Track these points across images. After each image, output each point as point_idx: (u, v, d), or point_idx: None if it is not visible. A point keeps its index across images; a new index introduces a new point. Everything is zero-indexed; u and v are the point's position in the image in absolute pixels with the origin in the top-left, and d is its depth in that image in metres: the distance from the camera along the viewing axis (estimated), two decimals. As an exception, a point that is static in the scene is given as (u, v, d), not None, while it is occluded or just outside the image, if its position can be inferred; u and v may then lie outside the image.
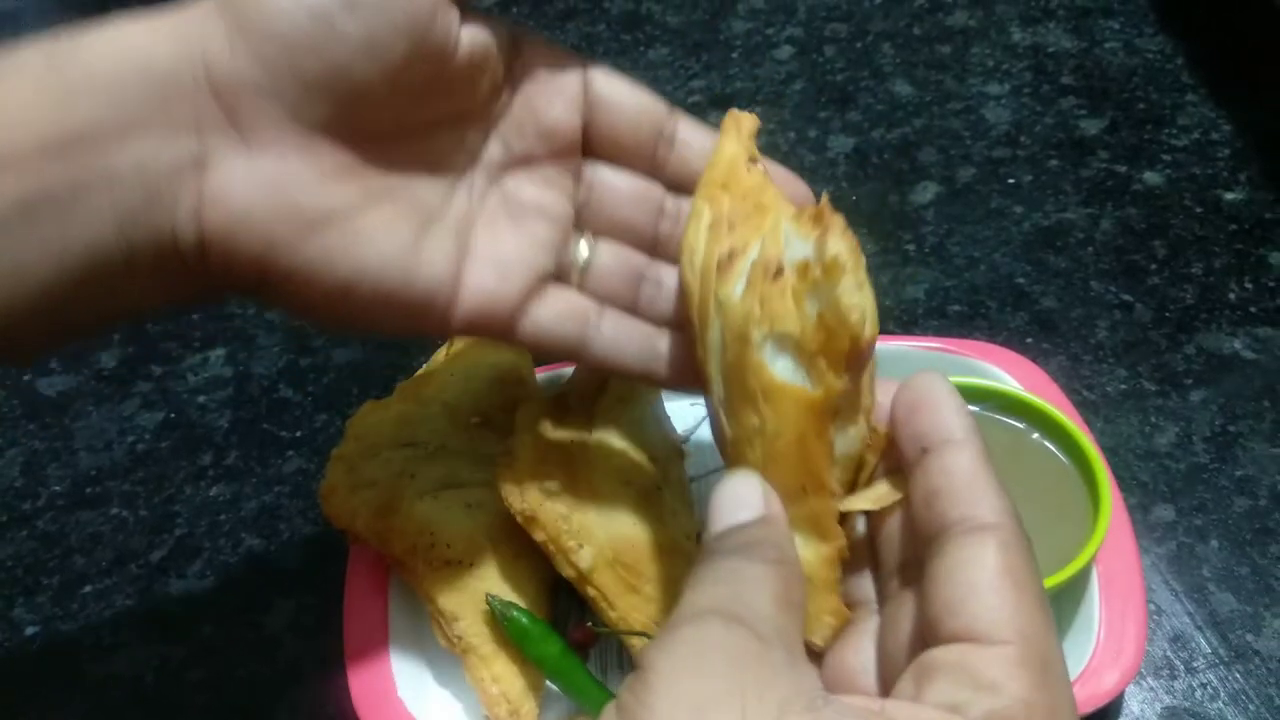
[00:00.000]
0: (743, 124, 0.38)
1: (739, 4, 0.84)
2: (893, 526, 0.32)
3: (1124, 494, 0.48)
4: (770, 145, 0.73)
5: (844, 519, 0.32)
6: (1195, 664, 0.46)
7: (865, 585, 0.33)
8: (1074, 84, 0.74)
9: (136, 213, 0.32)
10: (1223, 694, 0.45)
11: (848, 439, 0.31)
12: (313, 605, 0.52)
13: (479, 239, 0.38)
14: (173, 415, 0.61)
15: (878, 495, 0.31)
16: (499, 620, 0.44)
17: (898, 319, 0.61)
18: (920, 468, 0.30)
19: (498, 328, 0.38)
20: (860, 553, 0.33)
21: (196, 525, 0.56)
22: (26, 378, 0.64)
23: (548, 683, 0.46)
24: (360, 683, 0.45)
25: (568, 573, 0.44)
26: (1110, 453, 0.53)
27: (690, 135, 0.40)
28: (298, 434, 0.59)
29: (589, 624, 0.45)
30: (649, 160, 0.40)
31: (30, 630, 0.52)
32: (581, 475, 0.45)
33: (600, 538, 0.44)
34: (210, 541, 0.55)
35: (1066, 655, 0.44)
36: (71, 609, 0.53)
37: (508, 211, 0.39)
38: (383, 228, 0.35)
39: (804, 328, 0.30)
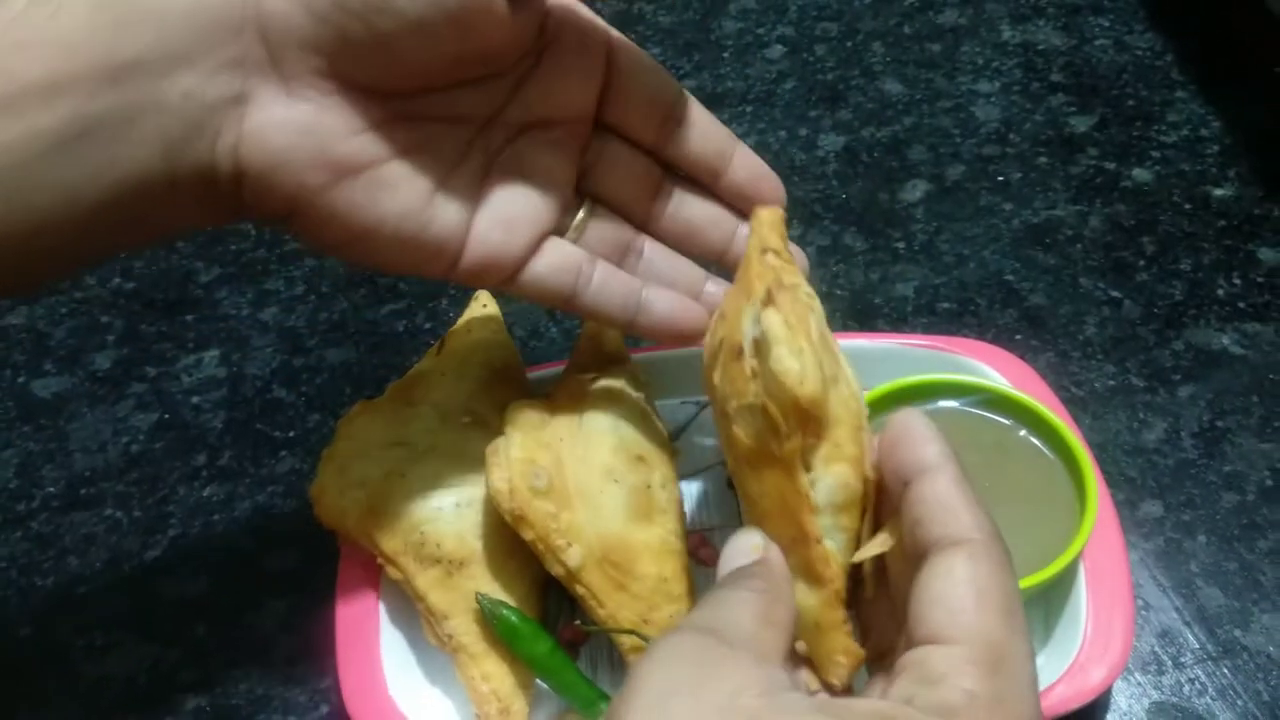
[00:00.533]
0: (762, 218, 0.40)
1: (730, 3, 0.84)
2: (898, 567, 0.34)
3: (1112, 490, 0.48)
4: (761, 144, 0.73)
5: (859, 568, 0.35)
6: (1183, 659, 0.46)
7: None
8: (1064, 81, 0.75)
9: (180, 141, 0.34)
10: (1210, 689, 0.45)
11: (829, 489, 0.34)
12: (305, 605, 0.52)
13: (490, 194, 0.40)
14: (167, 416, 0.62)
15: (879, 541, 0.34)
16: (489, 619, 0.44)
17: (887, 316, 0.61)
18: (905, 501, 0.32)
19: (498, 278, 0.41)
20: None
21: (190, 526, 0.56)
22: (21, 379, 0.64)
23: (538, 681, 0.46)
24: (351, 682, 0.45)
25: (557, 571, 0.44)
26: (1098, 449, 0.53)
27: (696, 118, 0.43)
28: (290, 434, 0.60)
29: (578, 622, 0.45)
30: (653, 138, 0.43)
31: (24, 631, 0.52)
32: (570, 474, 0.45)
33: (589, 536, 0.44)
34: (203, 542, 0.55)
35: (1053, 650, 0.44)
36: (65, 610, 0.53)
37: (519, 169, 0.41)
38: (404, 181, 0.38)
39: (757, 398, 0.34)
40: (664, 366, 0.54)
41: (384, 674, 0.46)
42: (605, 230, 0.44)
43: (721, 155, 0.44)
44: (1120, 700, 0.45)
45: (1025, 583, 0.42)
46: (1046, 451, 0.47)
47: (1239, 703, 0.44)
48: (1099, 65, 0.75)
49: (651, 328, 0.44)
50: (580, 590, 0.44)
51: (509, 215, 0.41)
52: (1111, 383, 0.56)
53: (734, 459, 0.38)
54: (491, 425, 0.50)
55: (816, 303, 0.38)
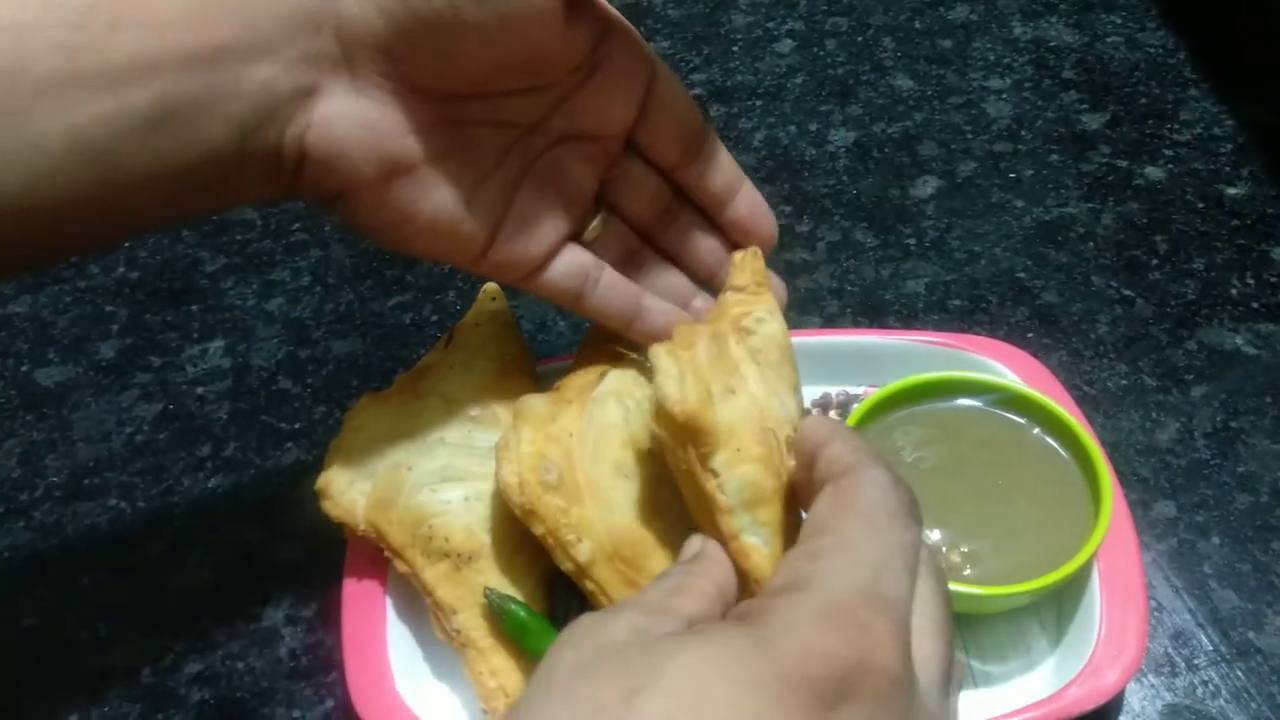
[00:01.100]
0: (735, 260, 0.47)
1: (740, -3, 0.84)
2: None
3: (1125, 490, 0.48)
4: (771, 139, 0.73)
5: None
6: (1196, 661, 0.45)
7: None
8: (1075, 79, 0.74)
9: (254, 125, 0.37)
10: (1224, 692, 0.44)
11: (736, 489, 0.40)
12: (311, 598, 0.51)
13: (521, 198, 0.43)
14: (171, 407, 0.61)
15: None
16: (497, 614, 0.44)
17: (897, 313, 0.61)
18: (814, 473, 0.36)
19: (515, 276, 0.45)
20: None
21: (194, 517, 0.55)
22: (24, 368, 0.64)
23: (546, 676, 0.46)
24: (358, 676, 0.45)
25: (566, 566, 0.43)
26: (1111, 448, 0.52)
27: (714, 152, 0.47)
28: (296, 426, 0.59)
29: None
30: (673, 163, 0.46)
31: (27, 623, 0.52)
32: (581, 468, 0.44)
33: (599, 531, 0.43)
34: (208, 534, 0.55)
35: (1067, 651, 0.44)
36: (68, 601, 0.52)
37: (550, 178, 0.44)
38: (447, 181, 0.41)
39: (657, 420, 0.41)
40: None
41: (391, 668, 0.45)
42: (616, 238, 0.47)
43: (729, 189, 0.48)
44: (1133, 702, 0.45)
45: (1039, 583, 0.42)
46: (1061, 451, 0.47)
47: (1252, 705, 0.44)
48: (1111, 63, 0.75)
49: (645, 333, 0.47)
50: (590, 586, 0.43)
51: (534, 221, 0.44)
52: (1124, 382, 0.56)
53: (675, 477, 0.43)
54: (500, 419, 0.49)
55: (766, 325, 0.45)
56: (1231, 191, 0.65)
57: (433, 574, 0.45)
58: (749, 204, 0.48)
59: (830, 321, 0.61)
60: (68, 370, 0.64)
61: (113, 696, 0.49)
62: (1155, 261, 0.62)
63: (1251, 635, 0.46)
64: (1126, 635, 0.43)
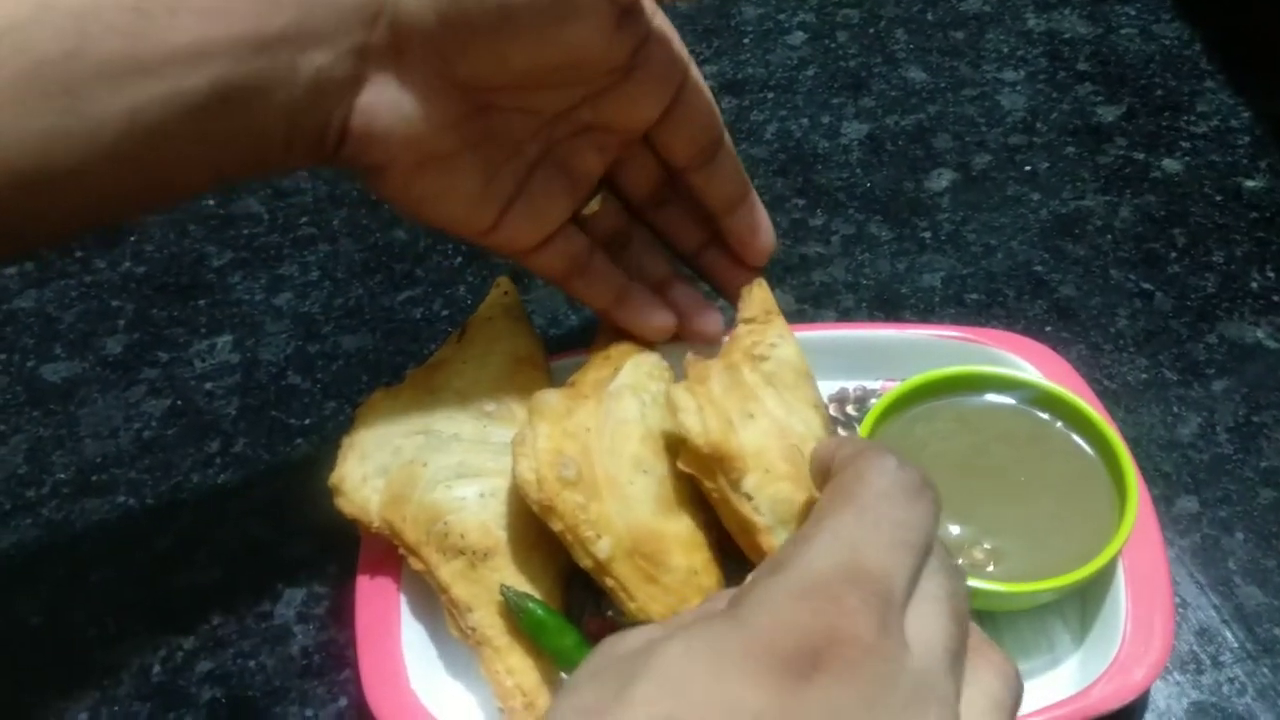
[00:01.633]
0: (743, 295, 0.50)
1: (750, -12, 0.83)
2: None
3: (1146, 486, 0.47)
4: (783, 131, 0.72)
5: None
6: (1222, 658, 0.45)
7: None
8: (1090, 70, 0.74)
9: (303, 109, 0.38)
10: (1250, 689, 0.44)
11: (770, 508, 0.42)
12: (323, 595, 0.51)
13: (533, 183, 0.45)
14: (179, 402, 0.60)
15: None
16: (514, 611, 0.43)
17: (913, 307, 0.60)
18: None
19: (512, 252, 0.47)
20: None
21: (204, 514, 0.55)
22: (30, 363, 0.63)
23: (563, 675, 0.45)
24: (372, 674, 0.44)
25: (585, 563, 0.43)
26: (1132, 443, 0.51)
27: (725, 161, 0.48)
28: (306, 421, 0.59)
29: (609, 614, 0.44)
30: (684, 164, 0.47)
31: (34, 620, 0.51)
32: (599, 464, 0.44)
33: (619, 527, 0.43)
34: (218, 530, 0.54)
35: (1092, 649, 0.43)
36: (76, 598, 0.52)
37: (565, 164, 0.45)
38: (473, 168, 0.43)
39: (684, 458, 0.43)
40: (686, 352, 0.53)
41: (405, 667, 0.44)
42: (610, 218, 0.49)
43: (733, 199, 0.49)
44: (1159, 700, 0.44)
45: (1064, 580, 0.41)
46: (1085, 448, 0.46)
47: (1279, 703, 0.43)
48: (1126, 55, 0.74)
49: (624, 321, 0.49)
50: (610, 583, 0.43)
51: (543, 203, 0.45)
52: (1144, 376, 0.55)
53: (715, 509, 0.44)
54: (515, 414, 0.49)
55: (779, 350, 0.47)
56: (1250, 184, 0.65)
57: (448, 571, 0.44)
58: (750, 219, 0.50)
59: (845, 316, 0.60)
60: (74, 366, 0.63)
61: (122, 695, 0.48)
62: (1174, 254, 0.61)
63: (1278, 631, 0.45)
64: (1153, 633, 0.42)
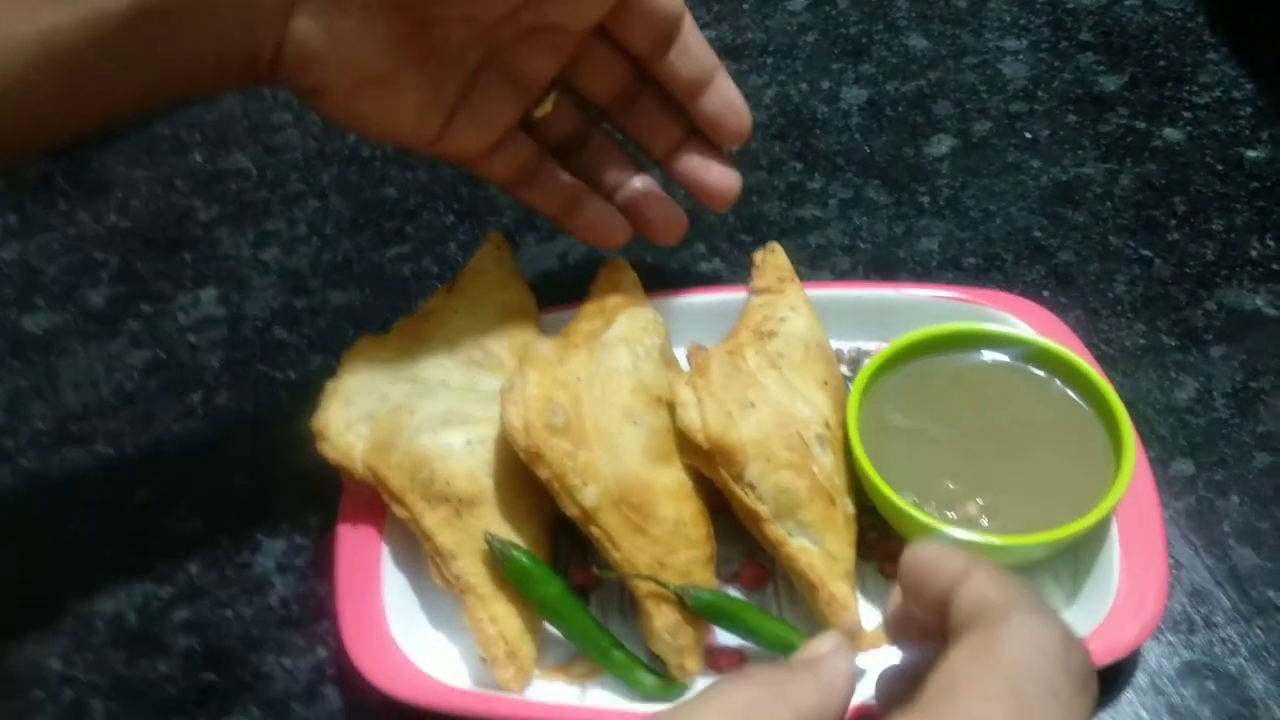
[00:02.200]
0: (755, 262, 0.51)
1: (750, -46, 0.82)
2: None
3: (1143, 449, 0.46)
4: (782, 95, 0.71)
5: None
6: (1215, 619, 0.44)
7: None
8: (1093, 40, 0.73)
9: (232, 33, 0.37)
10: (1243, 649, 0.43)
11: (773, 497, 0.42)
12: (304, 546, 0.50)
13: (476, 91, 0.44)
14: (162, 354, 0.59)
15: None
16: (498, 560, 0.43)
17: (911, 271, 0.59)
18: (951, 610, 0.29)
19: (460, 163, 0.47)
20: None
21: (184, 465, 0.54)
22: (12, 314, 0.62)
23: (547, 625, 0.44)
24: (352, 624, 0.43)
25: (571, 512, 0.42)
26: (1129, 407, 0.50)
27: (689, 40, 0.46)
28: (291, 375, 0.58)
29: (592, 566, 0.43)
30: (646, 53, 0.45)
31: (10, 568, 0.50)
32: (588, 413, 0.43)
33: (606, 476, 0.42)
34: (198, 482, 0.53)
35: (1084, 606, 0.43)
36: (53, 547, 0.51)
37: (509, 70, 0.44)
38: (413, 87, 0.42)
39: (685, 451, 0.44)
40: (684, 311, 0.53)
41: (386, 616, 0.44)
42: (565, 122, 0.48)
43: (702, 81, 0.47)
44: (1150, 659, 0.43)
45: (1058, 534, 0.41)
46: (1082, 405, 0.46)
47: (1272, 664, 0.43)
48: (1129, 25, 0.73)
49: (575, 229, 0.50)
50: (596, 532, 0.42)
51: (487, 114, 0.44)
52: (1142, 341, 0.55)
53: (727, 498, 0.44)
54: (504, 363, 0.48)
55: (789, 323, 0.47)
56: (1251, 154, 0.64)
57: (432, 519, 0.44)
58: (722, 97, 0.48)
59: (841, 278, 0.59)
60: (56, 317, 0.62)
61: (97, 643, 0.47)
62: (1174, 222, 0.60)
63: (1271, 594, 0.45)
64: (1146, 592, 0.42)
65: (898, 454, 0.44)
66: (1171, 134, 0.66)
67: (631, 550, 0.42)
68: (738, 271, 0.59)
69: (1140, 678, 0.43)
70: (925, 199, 0.63)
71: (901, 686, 0.33)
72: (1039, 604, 0.27)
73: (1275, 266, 0.57)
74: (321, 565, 0.48)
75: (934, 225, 0.62)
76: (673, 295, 0.54)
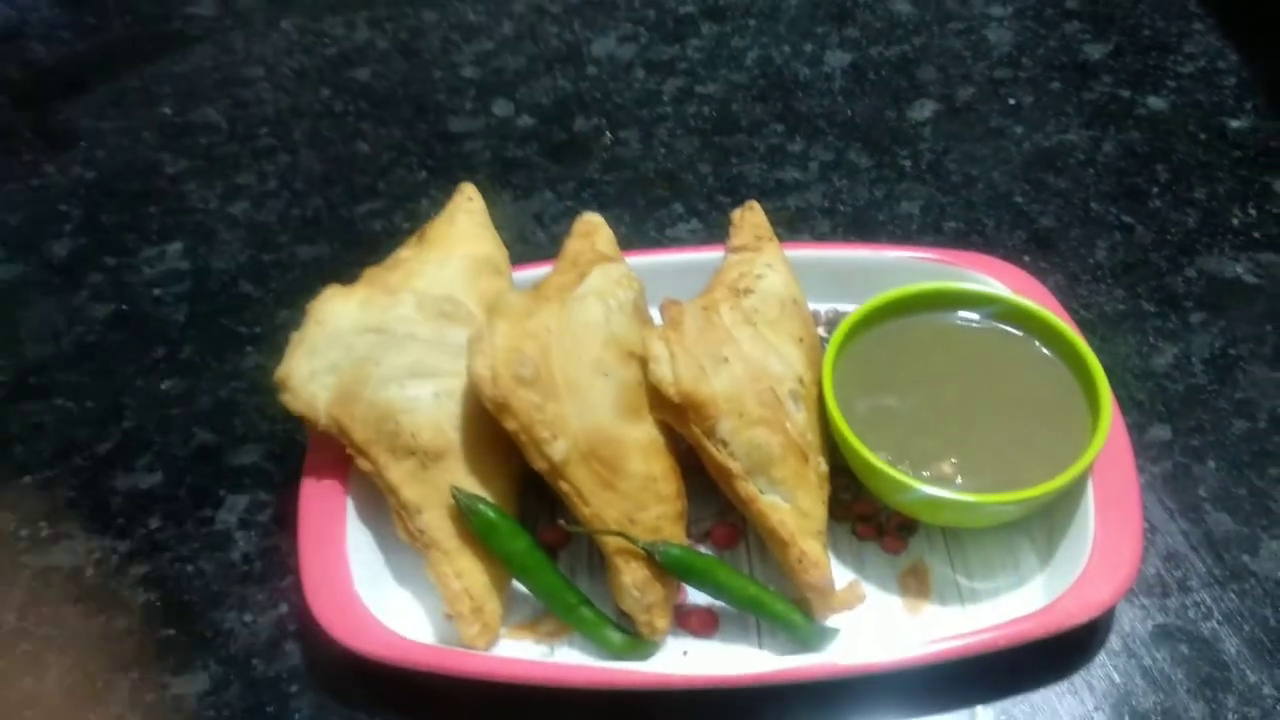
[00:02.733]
0: (733, 219, 0.50)
1: (735, -84, 0.81)
2: None
3: (1121, 413, 0.46)
4: (764, 59, 0.70)
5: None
6: (1189, 583, 0.44)
7: None
8: (1078, 9, 0.72)
9: None
10: (1216, 613, 0.43)
11: (745, 454, 0.41)
12: (267, 503, 0.49)
13: None
14: (125, 307, 0.58)
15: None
16: (465, 513, 0.42)
17: (891, 234, 0.59)
18: None
19: None
20: None
21: (146, 419, 0.53)
22: (-31, 265, 0.60)
23: (514, 582, 0.43)
24: (314, 578, 0.42)
25: (539, 465, 0.41)
26: (1108, 372, 0.50)
27: None
28: (257, 330, 0.56)
29: (561, 522, 0.42)
30: None
31: (-35, 521, 0.49)
32: (558, 365, 0.42)
33: (575, 430, 0.41)
34: (160, 435, 0.52)
35: (1058, 566, 0.42)
36: (9, 499, 0.49)
37: None
38: None
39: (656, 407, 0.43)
40: (660, 271, 0.52)
41: (350, 571, 0.43)
42: None
43: None
44: (1124, 622, 0.43)
45: (1033, 492, 0.40)
46: (1060, 365, 0.45)
47: (1245, 628, 0.42)
48: (1115, -6, 0.73)
49: None
50: (564, 486, 0.41)
51: None
52: (1121, 307, 0.54)
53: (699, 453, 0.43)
54: (474, 316, 0.47)
55: (766, 280, 0.46)
56: (1234, 124, 0.63)
57: (398, 472, 0.43)
58: None
59: (821, 241, 0.58)
60: (16, 268, 0.60)
61: (52, 597, 0.46)
62: (1156, 190, 0.60)
63: (1246, 559, 0.44)
64: (1121, 552, 0.41)
65: (873, 412, 0.44)
66: (1155, 102, 0.65)
67: (601, 505, 0.41)
68: (716, 232, 0.58)
69: (1114, 640, 0.42)
70: (907, 163, 0.62)
71: None
72: None
73: (1256, 235, 0.57)
74: (285, 520, 0.47)
75: (915, 189, 0.61)
76: (649, 254, 0.53)
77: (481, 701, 0.41)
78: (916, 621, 0.42)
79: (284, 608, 0.45)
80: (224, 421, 0.52)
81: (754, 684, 0.39)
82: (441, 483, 0.42)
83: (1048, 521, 0.44)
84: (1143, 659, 0.42)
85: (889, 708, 0.40)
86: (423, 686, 0.40)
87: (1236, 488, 0.47)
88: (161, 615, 0.45)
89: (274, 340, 0.56)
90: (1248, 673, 0.41)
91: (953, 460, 0.42)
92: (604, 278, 0.46)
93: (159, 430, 0.52)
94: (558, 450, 0.41)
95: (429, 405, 0.43)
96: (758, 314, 0.45)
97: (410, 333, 0.45)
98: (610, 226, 0.50)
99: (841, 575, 0.44)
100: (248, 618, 0.45)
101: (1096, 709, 0.40)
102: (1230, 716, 0.40)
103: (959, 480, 0.41)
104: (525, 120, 0.67)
